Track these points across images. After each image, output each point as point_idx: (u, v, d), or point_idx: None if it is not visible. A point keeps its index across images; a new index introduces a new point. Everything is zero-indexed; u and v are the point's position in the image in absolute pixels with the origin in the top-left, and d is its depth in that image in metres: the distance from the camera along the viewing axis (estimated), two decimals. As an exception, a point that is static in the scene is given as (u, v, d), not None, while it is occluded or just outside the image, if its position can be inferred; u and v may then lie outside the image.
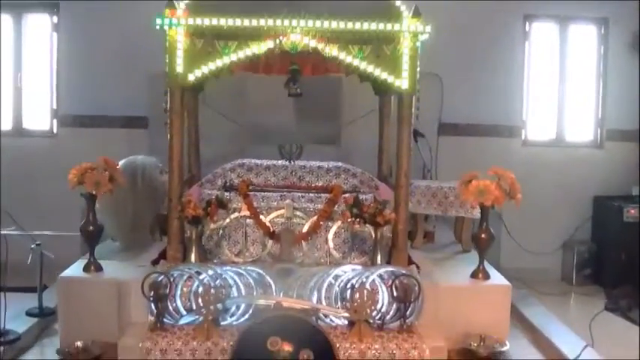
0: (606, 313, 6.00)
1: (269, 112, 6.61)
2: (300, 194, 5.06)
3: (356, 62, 4.66)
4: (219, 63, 4.64)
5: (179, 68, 4.62)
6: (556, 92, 7.42)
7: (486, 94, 7.11)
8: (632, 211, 6.75)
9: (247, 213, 4.95)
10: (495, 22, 7.11)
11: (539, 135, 7.46)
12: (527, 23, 7.32)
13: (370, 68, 4.67)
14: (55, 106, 7.13)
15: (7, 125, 7.05)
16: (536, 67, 7.40)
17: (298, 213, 4.99)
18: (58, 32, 7.05)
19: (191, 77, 4.64)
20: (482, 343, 4.37)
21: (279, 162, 5.29)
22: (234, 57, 4.63)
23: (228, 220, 4.96)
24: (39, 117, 7.17)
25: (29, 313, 5.45)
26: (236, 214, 4.97)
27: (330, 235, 4.95)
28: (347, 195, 4.92)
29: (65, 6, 6.97)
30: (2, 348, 4.73)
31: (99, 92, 6.89)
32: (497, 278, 4.82)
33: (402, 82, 4.68)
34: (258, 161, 5.27)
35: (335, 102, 6.88)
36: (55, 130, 7.15)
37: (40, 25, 7.10)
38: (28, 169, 6.83)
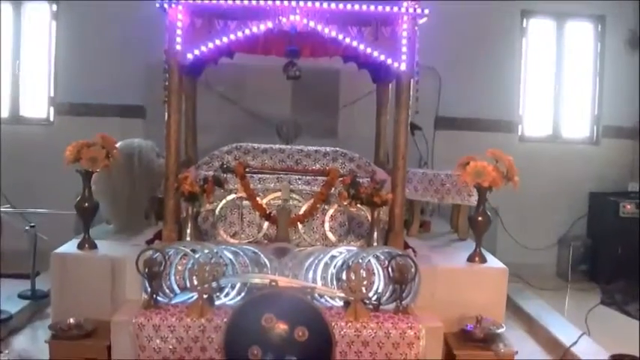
0: (602, 307, 5.96)
1: (266, 104, 6.59)
2: (296, 177, 5.03)
3: (355, 44, 4.65)
4: (218, 42, 4.62)
5: (178, 47, 4.61)
6: (553, 88, 7.43)
7: (483, 89, 7.10)
8: (629, 207, 6.73)
9: (243, 194, 4.92)
10: (493, 18, 7.11)
11: (535, 131, 7.46)
12: (525, 19, 7.34)
13: (369, 50, 4.65)
14: (52, 94, 7.10)
15: (5, 113, 7.00)
16: (533, 63, 7.40)
17: (295, 195, 4.96)
18: (57, 20, 7.03)
19: (190, 56, 4.62)
20: (478, 325, 4.33)
21: (277, 146, 5.27)
22: (233, 36, 4.62)
23: (224, 202, 4.92)
24: (36, 105, 7.13)
25: (21, 296, 5.42)
26: (232, 196, 4.94)
27: (327, 218, 4.93)
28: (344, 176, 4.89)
29: (65, -6, 6.96)
30: (-6, 327, 4.67)
31: (96, 80, 6.84)
32: (493, 262, 4.80)
33: (400, 64, 4.66)
34: (255, 145, 5.23)
35: (332, 94, 6.86)
36: (51, 119, 7.11)
37: (39, 13, 7.07)
38: (25, 157, 6.77)
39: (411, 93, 4.74)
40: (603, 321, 5.49)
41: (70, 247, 4.71)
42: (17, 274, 5.66)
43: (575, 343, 4.75)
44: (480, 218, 4.72)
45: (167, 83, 4.66)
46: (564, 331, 5.07)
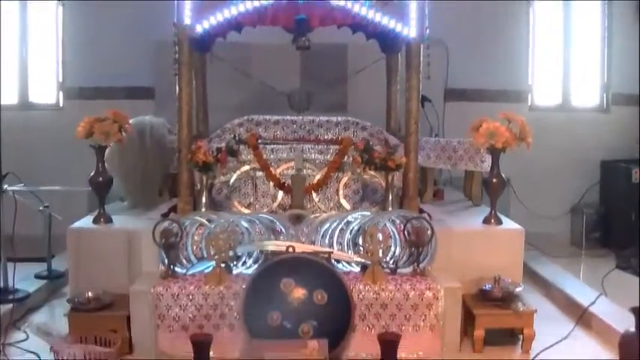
0: (618, 271, 5.94)
1: (276, 79, 6.56)
2: (309, 146, 5.04)
3: (364, 10, 4.62)
4: (227, 13, 4.61)
5: (188, 19, 4.60)
6: (561, 56, 7.35)
7: (492, 59, 7.04)
8: (641, 173, 6.69)
9: (257, 165, 4.93)
10: (501, -14, 7.07)
11: (545, 100, 7.40)
12: (533, -14, 7.29)
13: (378, 16, 4.63)
14: (61, 79, 7.08)
15: (13, 99, 6.97)
16: (541, 31, 7.32)
17: (308, 165, 4.98)
18: (63, 4, 6.99)
19: (199, 28, 4.61)
20: (497, 285, 4.32)
21: (288, 117, 5.28)
22: (242, 7, 4.60)
23: (237, 173, 4.95)
24: (45, 90, 7.11)
25: (38, 276, 5.41)
26: (246, 167, 4.95)
27: (341, 186, 4.94)
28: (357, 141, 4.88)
29: (72, -23, 6.95)
30: (12, 305, 4.66)
31: (105, 63, 6.80)
32: (509, 223, 4.79)
33: (410, 30, 4.64)
34: (267, 116, 5.24)
35: (341, 68, 6.83)
36: (61, 104, 7.10)
37: (45, -3, 7.05)
38: (36, 142, 6.75)
39: (421, 59, 4.73)
40: (620, 284, 5.46)
41: (85, 222, 4.71)
42: (33, 257, 5.64)
43: (593, 303, 4.73)
44: (494, 180, 4.70)
45: (177, 56, 4.64)
46: (581, 293, 5.04)
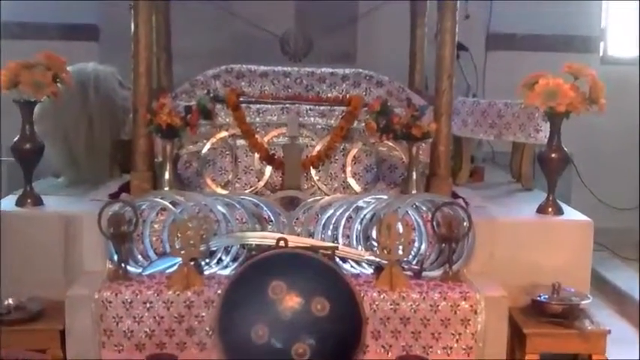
0: None
1: (263, 17, 6.56)
2: (307, 107, 5.02)
3: None
4: None
5: None
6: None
7: (551, -5, 7.06)
8: None
9: (238, 131, 4.90)
10: None
11: (622, 50, 7.44)
12: None
13: None
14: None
15: None
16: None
17: (306, 131, 4.96)
18: None
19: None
20: (555, 295, 4.31)
21: (280, 68, 5.27)
22: None
23: (212, 141, 4.92)
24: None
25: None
26: (223, 133, 4.93)
27: (349, 161, 4.93)
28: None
29: None
30: None
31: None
32: (572, 214, 4.79)
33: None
34: (252, 67, 5.24)
35: (349, 5, 6.82)
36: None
37: None
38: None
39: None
40: None
41: (6, 204, 4.69)
42: None
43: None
44: (553, 155, 4.67)
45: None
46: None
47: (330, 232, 4.39)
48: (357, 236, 4.39)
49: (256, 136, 4.90)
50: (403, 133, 4.56)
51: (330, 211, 4.43)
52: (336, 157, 4.93)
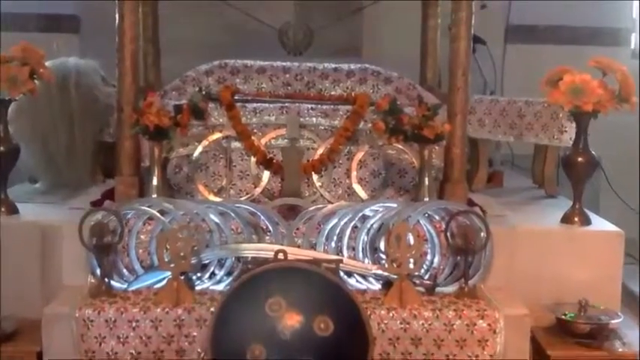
0: None
1: (261, 8, 6.57)
2: (309, 106, 5.03)
3: None
4: None
5: None
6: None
7: (577, -17, 7.10)
8: None
9: (232, 133, 4.90)
10: None
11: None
12: None
13: None
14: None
15: None
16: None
17: (307, 133, 4.95)
18: None
19: None
20: (582, 313, 4.32)
21: (278, 63, 5.28)
22: None
23: (204, 144, 4.92)
24: None
25: None
26: (216, 135, 4.93)
27: (354, 165, 4.92)
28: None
29: None
30: None
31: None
32: (601, 223, 4.80)
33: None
34: (248, 62, 5.26)
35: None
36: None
37: None
38: None
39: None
40: None
41: (-23, 211, 4.71)
42: None
43: None
44: (579, 159, 4.67)
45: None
46: None
47: (333, 244, 4.38)
48: (363, 248, 4.38)
49: (253, 137, 4.89)
50: (414, 134, 4.57)
51: (334, 221, 4.43)
52: (340, 161, 4.92)
